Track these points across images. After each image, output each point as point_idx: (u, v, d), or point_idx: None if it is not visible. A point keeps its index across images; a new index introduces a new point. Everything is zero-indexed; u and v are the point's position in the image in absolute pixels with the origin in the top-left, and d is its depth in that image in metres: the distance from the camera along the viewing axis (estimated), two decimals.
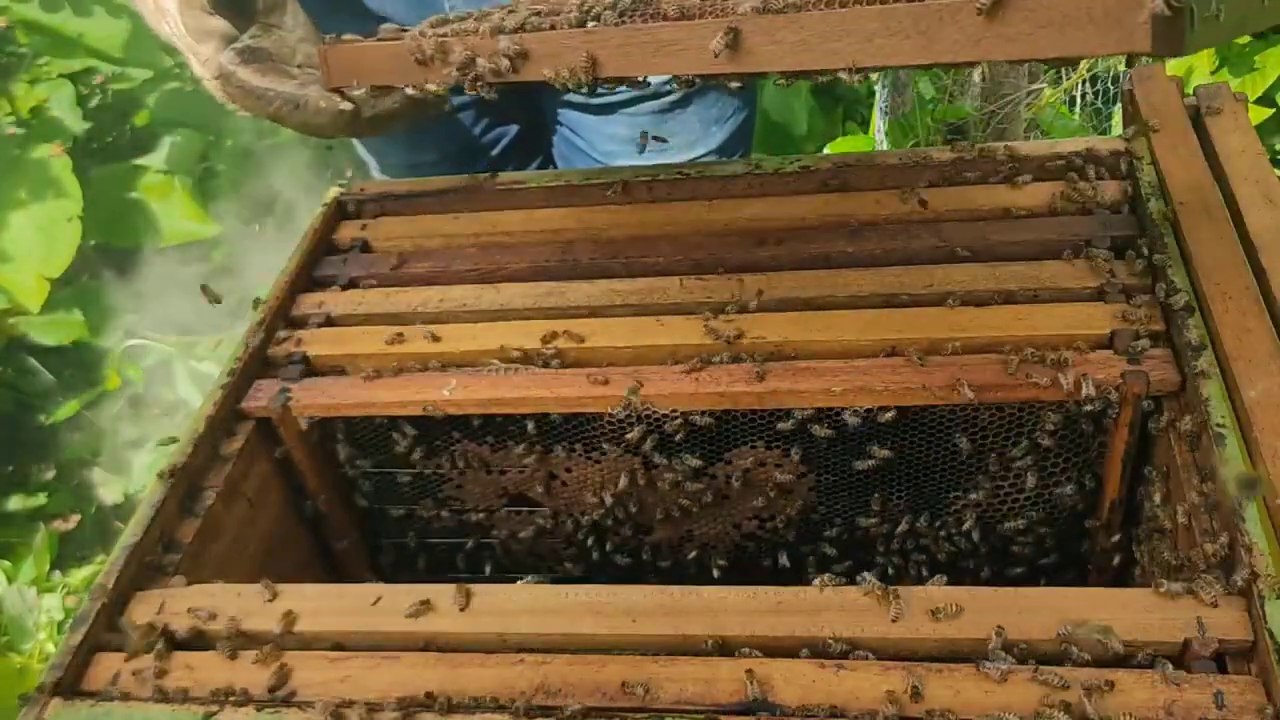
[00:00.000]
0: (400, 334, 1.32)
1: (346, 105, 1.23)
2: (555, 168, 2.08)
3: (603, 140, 1.91)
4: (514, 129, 1.99)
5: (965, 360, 1.16)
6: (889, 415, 1.19)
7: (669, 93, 1.82)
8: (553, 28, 1.04)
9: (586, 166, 1.94)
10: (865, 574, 1.00)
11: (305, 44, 1.28)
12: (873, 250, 1.33)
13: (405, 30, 1.18)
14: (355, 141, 2.05)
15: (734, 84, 0.99)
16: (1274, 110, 2.78)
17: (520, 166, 2.05)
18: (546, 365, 1.26)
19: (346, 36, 1.20)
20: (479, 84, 1.07)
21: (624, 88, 1.35)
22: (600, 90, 1.06)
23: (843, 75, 0.90)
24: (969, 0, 0.80)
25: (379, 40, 1.18)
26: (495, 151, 2.00)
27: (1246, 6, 0.83)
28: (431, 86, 1.12)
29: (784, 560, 1.39)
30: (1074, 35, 0.77)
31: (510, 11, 1.10)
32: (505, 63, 1.04)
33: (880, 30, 0.85)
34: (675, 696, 0.93)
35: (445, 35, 1.09)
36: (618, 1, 1.01)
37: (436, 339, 1.31)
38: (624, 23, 0.99)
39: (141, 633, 1.06)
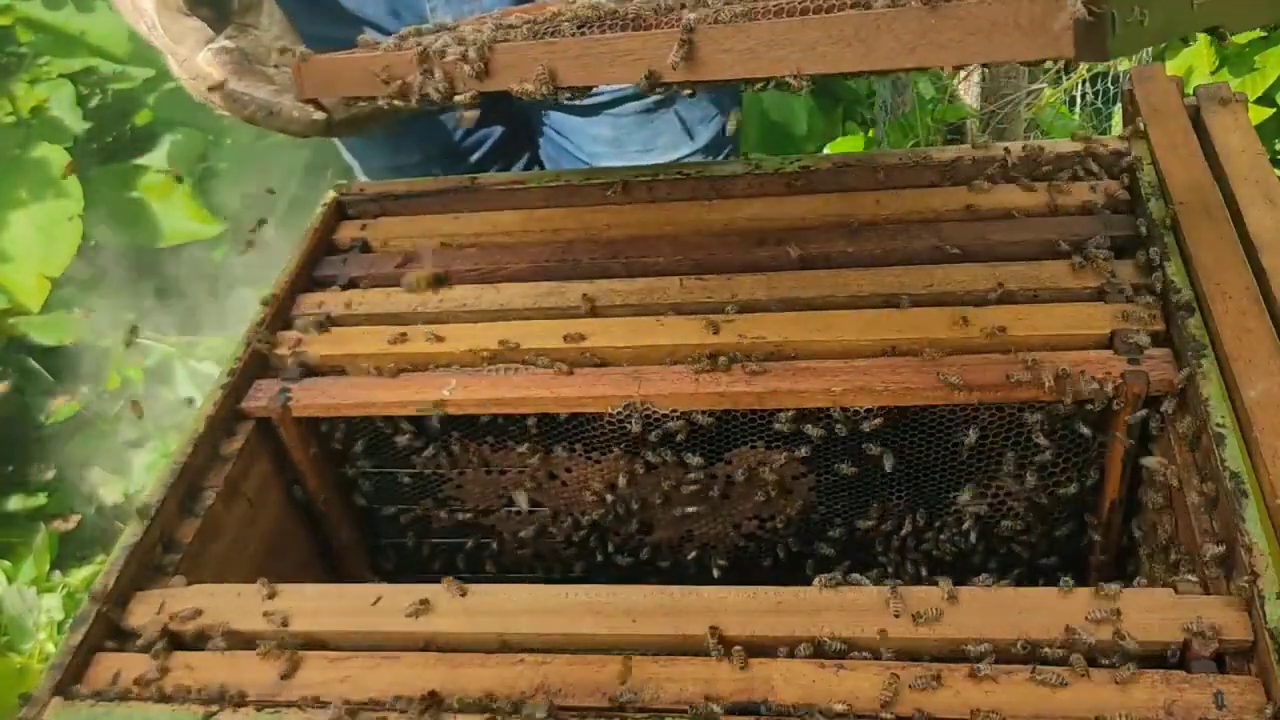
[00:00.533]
0: (401, 334, 1.32)
1: (319, 115, 1.25)
2: (540, 169, 2.09)
3: (588, 141, 1.92)
4: (498, 130, 2.00)
5: (965, 360, 1.16)
6: (877, 420, 1.19)
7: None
8: (519, 38, 1.06)
9: (570, 164, 1.95)
10: (855, 574, 1.01)
11: (281, 42, 1.30)
12: (873, 250, 1.33)
13: (379, 43, 1.22)
14: (340, 146, 2.06)
15: (686, 92, 1.03)
16: (1274, 110, 2.78)
17: (505, 168, 2.06)
18: (545, 365, 1.26)
19: (330, 56, 1.22)
20: (449, 98, 1.11)
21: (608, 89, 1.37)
22: (567, 98, 1.08)
23: (790, 81, 0.93)
24: (910, 9, 0.84)
25: (352, 56, 1.20)
26: (479, 153, 2.01)
27: (1173, 10, 0.86)
28: (403, 103, 1.15)
29: (783, 559, 1.39)
30: (1001, 41, 0.81)
31: (480, 25, 1.11)
32: (470, 76, 1.07)
33: (823, 39, 0.89)
34: (675, 696, 0.93)
35: (414, 50, 1.11)
36: (579, 14, 1.04)
37: (437, 339, 1.31)
38: (583, 33, 1.02)
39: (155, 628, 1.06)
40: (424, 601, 1.04)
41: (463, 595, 1.04)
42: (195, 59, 1.24)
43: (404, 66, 1.11)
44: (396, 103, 1.15)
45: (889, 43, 0.86)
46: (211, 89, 1.25)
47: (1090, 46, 0.76)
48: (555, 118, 1.93)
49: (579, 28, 1.03)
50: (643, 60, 0.98)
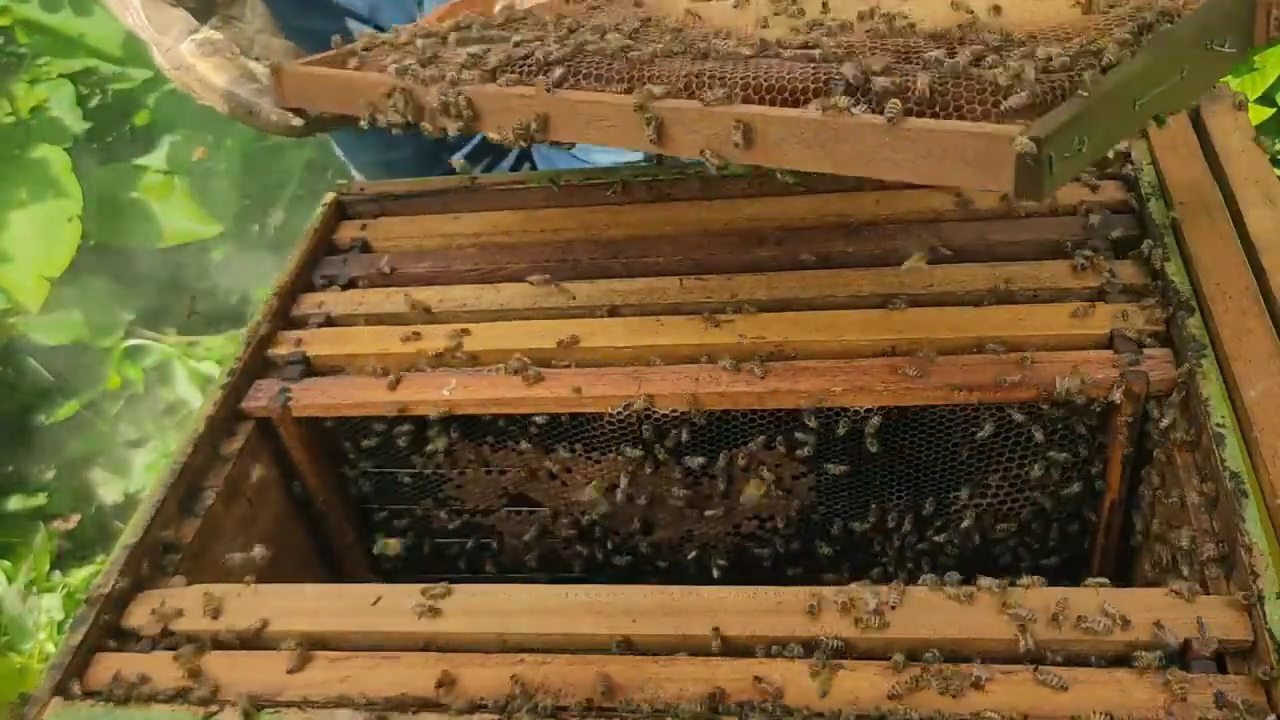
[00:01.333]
0: (402, 335, 1.32)
1: (297, 121, 1.26)
2: (532, 163, 2.10)
3: None
4: None
5: (965, 360, 1.16)
6: (876, 420, 1.19)
7: None
8: (499, 65, 1.11)
9: (565, 161, 1.95)
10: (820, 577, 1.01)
11: (263, 35, 1.32)
12: (873, 250, 1.33)
13: (349, 48, 1.25)
14: (331, 142, 2.07)
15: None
16: (1274, 110, 2.77)
17: (495, 161, 2.06)
18: (546, 365, 1.26)
19: (309, 69, 1.23)
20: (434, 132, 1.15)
21: None
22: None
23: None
24: (865, 122, 0.89)
25: (331, 72, 1.21)
26: (470, 146, 2.01)
27: (1114, 121, 0.90)
28: (386, 118, 1.18)
29: (784, 558, 1.39)
30: (949, 169, 0.86)
31: (463, 37, 1.16)
32: (445, 116, 1.12)
33: (787, 137, 0.94)
34: (675, 696, 0.93)
35: (392, 80, 1.14)
36: (562, 49, 1.09)
37: (437, 339, 1.31)
38: (566, 84, 1.07)
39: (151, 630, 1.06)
40: (426, 602, 1.04)
41: (445, 596, 1.05)
42: (179, 49, 1.25)
43: (383, 95, 1.13)
44: (377, 121, 1.18)
45: (847, 151, 0.90)
46: (194, 79, 1.26)
47: (1028, 186, 0.82)
48: None
49: (558, 81, 1.07)
50: (616, 128, 1.03)
